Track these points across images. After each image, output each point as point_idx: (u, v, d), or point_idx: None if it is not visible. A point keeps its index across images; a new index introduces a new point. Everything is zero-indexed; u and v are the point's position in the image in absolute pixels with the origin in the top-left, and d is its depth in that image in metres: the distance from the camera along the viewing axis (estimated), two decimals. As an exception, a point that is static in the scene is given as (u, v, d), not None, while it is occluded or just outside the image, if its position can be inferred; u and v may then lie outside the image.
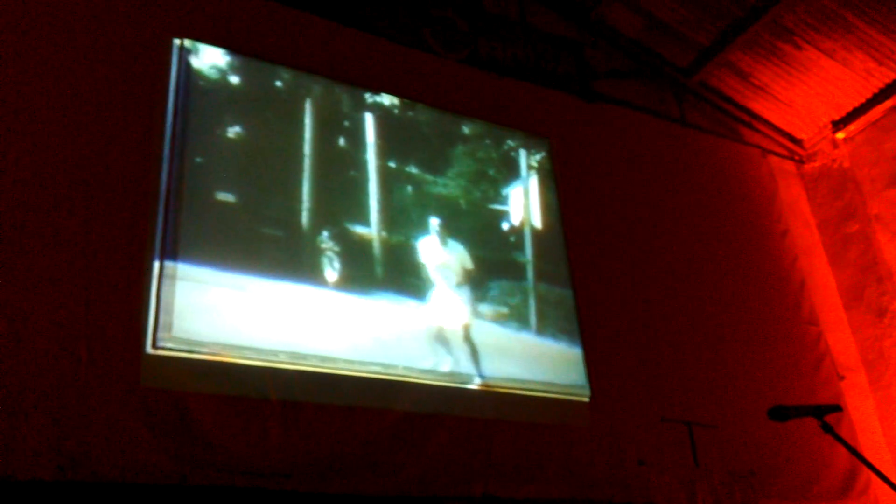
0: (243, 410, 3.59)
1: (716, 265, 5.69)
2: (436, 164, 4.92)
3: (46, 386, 3.20)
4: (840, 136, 6.43)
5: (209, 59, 4.31)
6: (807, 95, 6.31)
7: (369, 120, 4.76)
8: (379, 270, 4.37)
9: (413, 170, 4.81)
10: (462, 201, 4.94)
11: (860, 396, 5.74)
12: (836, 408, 2.85)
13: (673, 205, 5.77)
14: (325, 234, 4.28)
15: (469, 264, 4.60)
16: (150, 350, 3.50)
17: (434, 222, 4.57)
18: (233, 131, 4.25)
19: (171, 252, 3.71)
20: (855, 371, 5.86)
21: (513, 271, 4.90)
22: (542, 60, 5.75)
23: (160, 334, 3.53)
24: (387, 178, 4.64)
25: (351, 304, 4.15)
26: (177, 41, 4.17)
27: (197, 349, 3.60)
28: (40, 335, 3.27)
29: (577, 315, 4.81)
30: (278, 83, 4.55)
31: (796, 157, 6.75)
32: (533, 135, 5.38)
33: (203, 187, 3.99)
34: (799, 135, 6.71)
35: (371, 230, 4.44)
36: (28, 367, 3.20)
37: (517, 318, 4.72)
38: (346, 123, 4.71)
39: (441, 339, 4.32)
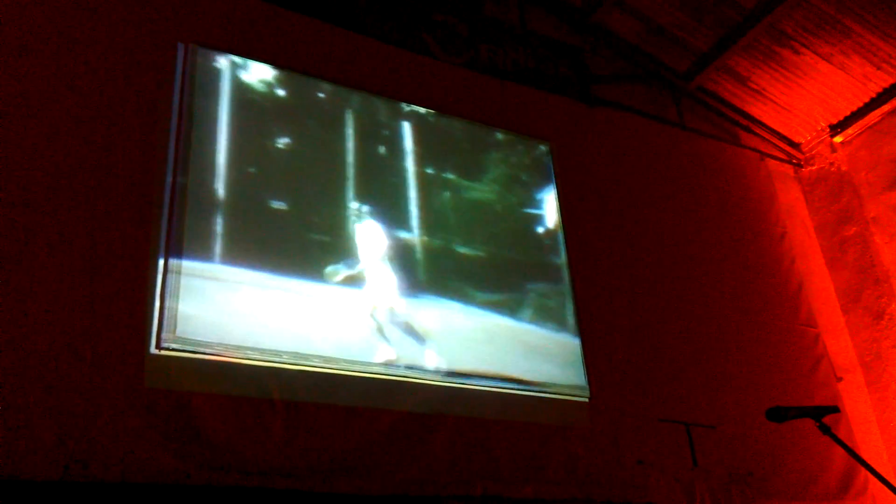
0: (247, 410, 3.61)
1: (714, 267, 5.72)
2: (471, 169, 5.09)
3: (51, 386, 3.22)
4: (838, 139, 6.47)
5: (257, 73, 4.49)
6: (805, 99, 6.35)
7: (407, 128, 4.93)
8: (422, 274, 4.53)
9: (450, 175, 4.98)
10: (498, 206, 5.10)
11: (858, 398, 5.76)
12: (834, 409, 2.87)
13: (672, 208, 5.80)
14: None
15: (387, 240, 4.58)
16: (154, 350, 3.52)
17: (354, 206, 4.56)
18: (282, 142, 4.44)
19: (176, 252, 3.74)
20: (853, 372, 5.88)
21: (549, 274, 5.02)
22: (542, 65, 5.79)
23: (164, 335, 3.56)
24: (425, 184, 4.81)
25: (397, 307, 4.32)
26: (182, 45, 4.21)
27: (201, 349, 3.62)
28: (45, 335, 3.29)
29: (576, 316, 4.84)
30: (321, 94, 4.73)
31: (794, 161, 6.78)
32: (533, 138, 5.42)
33: (256, 196, 4.17)
34: (797, 138, 6.75)
35: (413, 235, 4.60)
36: (32, 368, 3.22)
37: (556, 319, 4.85)
38: (386, 132, 4.88)
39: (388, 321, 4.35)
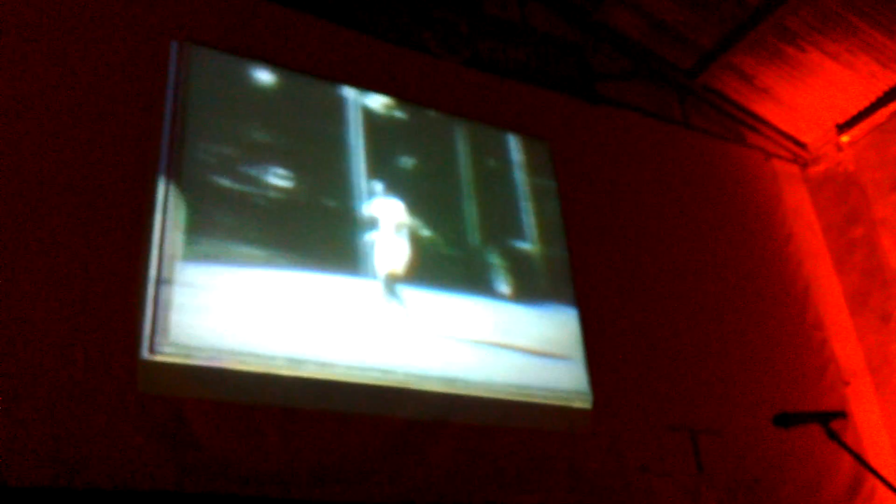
0: (241, 416, 3.56)
1: (719, 269, 5.65)
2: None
3: (42, 391, 3.17)
4: (844, 139, 6.39)
5: (378, 101, 4.77)
6: (811, 98, 6.28)
7: (513, 140, 5.13)
8: (542, 282, 4.73)
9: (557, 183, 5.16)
10: None
11: (865, 402, 5.68)
12: (842, 414, 2.84)
13: (676, 208, 5.73)
14: (491, 250, 4.67)
15: (405, 216, 4.57)
16: (146, 355, 3.46)
17: (377, 187, 4.53)
18: (405, 161, 4.71)
19: (170, 255, 3.68)
20: (860, 377, 5.80)
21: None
22: (544, 62, 5.73)
23: (157, 339, 3.50)
24: (536, 193, 5.00)
25: (522, 315, 4.55)
26: (175, 43, 4.16)
27: (195, 354, 3.56)
28: (36, 340, 3.24)
29: (579, 321, 4.77)
30: (431, 113, 4.96)
31: (800, 161, 6.70)
32: (533, 137, 5.35)
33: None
34: (803, 138, 6.67)
35: (528, 244, 4.80)
36: (24, 373, 3.17)
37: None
38: (492, 144, 5.10)
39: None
